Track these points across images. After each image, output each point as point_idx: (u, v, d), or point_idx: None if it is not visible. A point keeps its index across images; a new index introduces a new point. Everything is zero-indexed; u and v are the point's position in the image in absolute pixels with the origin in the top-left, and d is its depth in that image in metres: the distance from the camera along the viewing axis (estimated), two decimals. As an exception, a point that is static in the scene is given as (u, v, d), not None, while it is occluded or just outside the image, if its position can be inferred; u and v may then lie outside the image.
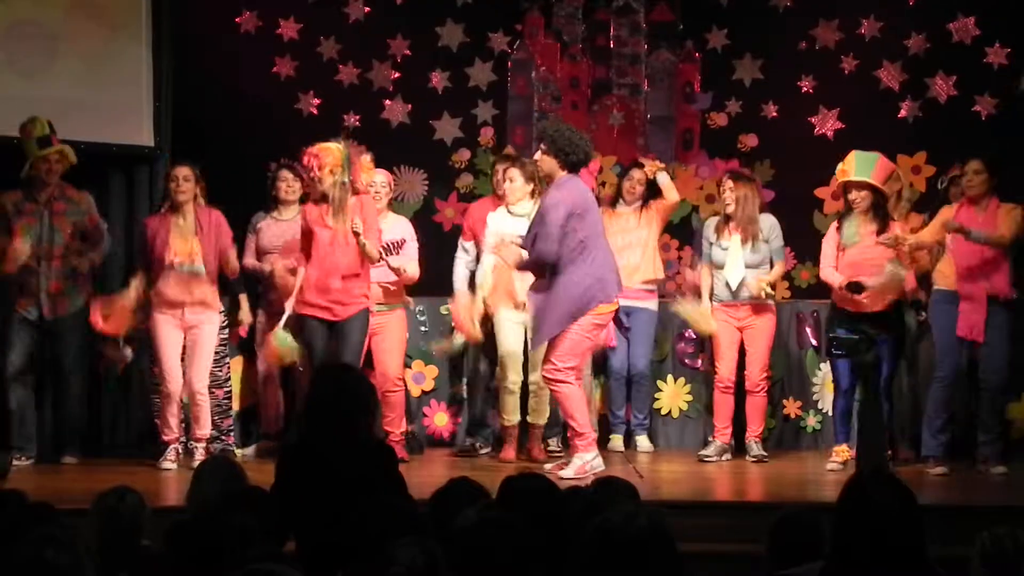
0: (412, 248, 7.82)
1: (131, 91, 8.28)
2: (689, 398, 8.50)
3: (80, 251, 7.54)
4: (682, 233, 8.82)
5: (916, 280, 7.66)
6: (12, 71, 8.00)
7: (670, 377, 8.51)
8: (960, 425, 7.84)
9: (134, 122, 8.29)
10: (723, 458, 7.78)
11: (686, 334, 8.37)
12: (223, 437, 7.79)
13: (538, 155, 6.98)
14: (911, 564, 3.10)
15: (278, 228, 7.91)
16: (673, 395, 8.51)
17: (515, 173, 7.59)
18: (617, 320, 7.58)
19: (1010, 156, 7.93)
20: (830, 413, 8.03)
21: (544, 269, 6.80)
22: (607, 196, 8.53)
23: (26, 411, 7.57)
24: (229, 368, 7.91)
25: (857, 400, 7.52)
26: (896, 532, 3.10)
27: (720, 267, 7.77)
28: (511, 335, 7.64)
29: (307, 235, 7.26)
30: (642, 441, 8.26)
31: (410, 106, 9.06)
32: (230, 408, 7.89)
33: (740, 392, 7.87)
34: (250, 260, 7.87)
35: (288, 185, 7.98)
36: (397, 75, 9.07)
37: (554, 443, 7.98)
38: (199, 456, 7.41)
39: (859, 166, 7.38)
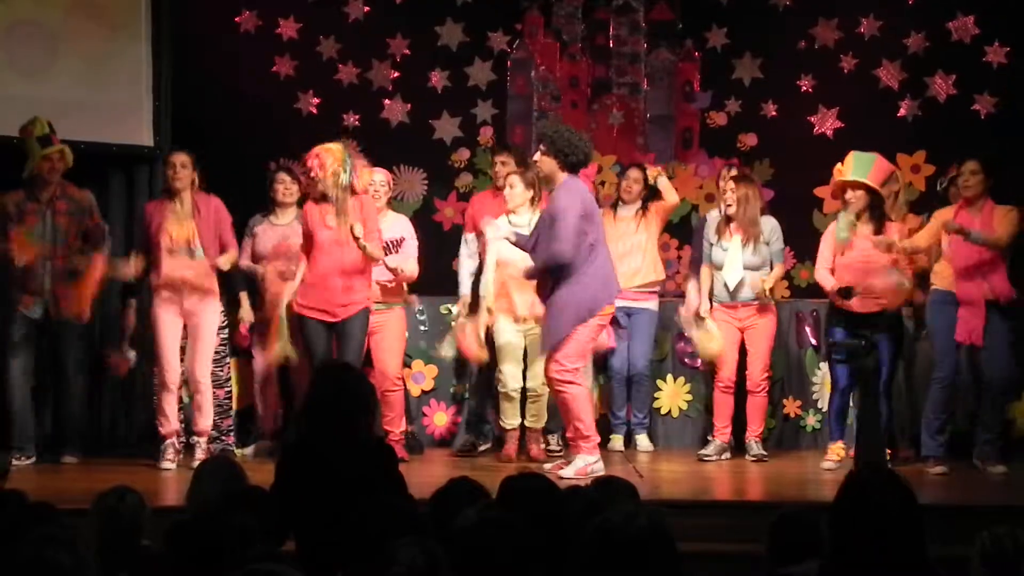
0: (411, 246, 7.83)
1: (131, 91, 8.29)
2: (689, 398, 8.51)
3: (82, 250, 7.54)
4: (682, 233, 8.82)
5: (917, 283, 7.63)
6: (12, 71, 8.00)
7: (670, 377, 8.52)
8: (960, 425, 7.86)
9: (134, 122, 8.30)
10: (723, 457, 7.79)
11: (686, 334, 8.37)
12: (223, 437, 7.80)
13: (537, 156, 6.98)
14: (910, 562, 3.10)
15: (274, 233, 7.91)
16: (673, 395, 8.51)
17: (515, 179, 7.58)
18: (614, 320, 7.59)
19: (1009, 156, 7.95)
20: (830, 412, 8.04)
21: (552, 273, 6.78)
22: (607, 197, 8.55)
23: (26, 411, 7.57)
24: (230, 368, 7.91)
25: (853, 406, 7.55)
26: (895, 529, 3.10)
27: (719, 268, 7.78)
28: (511, 343, 7.64)
29: (308, 236, 7.26)
30: (642, 440, 8.27)
31: (409, 105, 9.07)
32: (230, 408, 7.89)
33: (740, 392, 7.87)
34: (245, 262, 7.87)
35: (286, 187, 7.97)
36: (397, 74, 9.08)
37: (554, 441, 7.99)
38: (200, 453, 7.42)
39: (856, 166, 7.39)
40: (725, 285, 7.75)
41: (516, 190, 7.55)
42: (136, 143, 8.30)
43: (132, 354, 7.74)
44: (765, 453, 7.84)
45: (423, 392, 8.47)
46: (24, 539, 3.22)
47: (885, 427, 7.48)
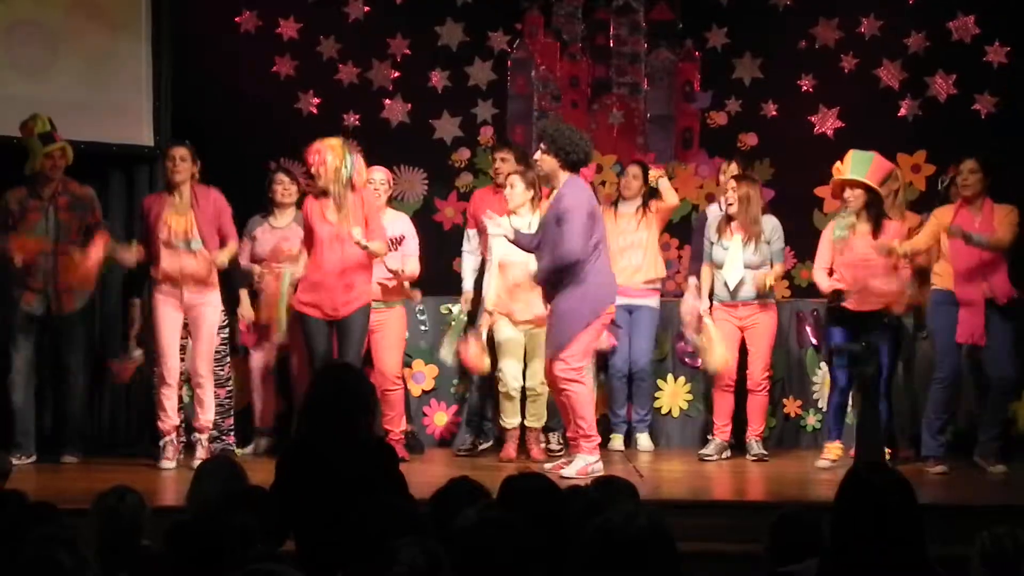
0: (412, 245, 7.83)
1: (131, 91, 8.29)
2: (689, 397, 8.51)
3: (83, 244, 7.55)
4: (682, 232, 8.82)
5: (918, 283, 7.63)
6: (13, 70, 8.01)
7: (670, 376, 8.52)
8: (961, 425, 7.86)
9: (134, 122, 8.30)
10: (723, 456, 7.79)
11: (688, 339, 8.36)
12: (223, 437, 7.80)
13: (538, 154, 6.97)
14: (910, 561, 3.10)
15: (273, 236, 7.91)
16: (673, 394, 8.51)
17: (515, 179, 7.58)
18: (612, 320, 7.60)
19: (1010, 155, 7.95)
20: (830, 412, 8.04)
21: (561, 275, 6.77)
22: (607, 196, 8.55)
23: (28, 408, 7.57)
24: (230, 367, 7.91)
25: (852, 406, 7.56)
26: (895, 526, 3.10)
27: (720, 267, 7.78)
28: (510, 341, 7.64)
29: (308, 231, 7.26)
30: (643, 439, 8.26)
31: (410, 105, 9.07)
32: (231, 408, 7.90)
33: (740, 391, 7.87)
34: (244, 262, 7.87)
35: (284, 188, 7.99)
36: (397, 74, 9.08)
37: (554, 440, 7.98)
38: (200, 450, 7.41)
39: (855, 165, 7.39)
40: (725, 284, 7.75)
41: (517, 190, 7.55)
42: (136, 143, 8.30)
43: (138, 353, 7.73)
44: (765, 453, 7.84)
45: (423, 392, 8.47)
46: (25, 539, 3.23)
47: (885, 427, 7.48)
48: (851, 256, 7.40)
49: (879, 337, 7.32)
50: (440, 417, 8.49)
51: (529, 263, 7.17)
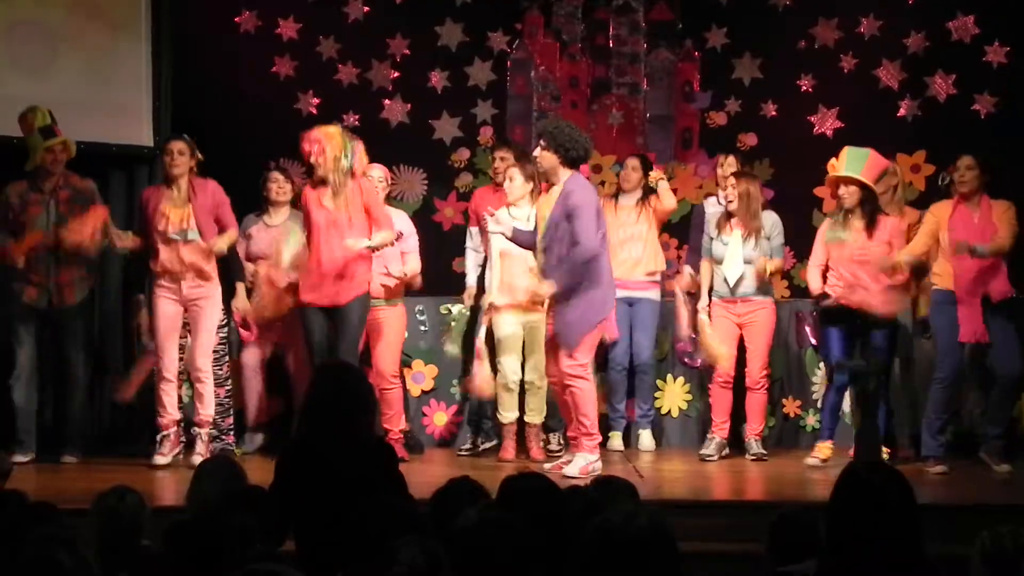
0: (412, 242, 7.84)
1: (131, 91, 8.29)
2: (689, 397, 8.51)
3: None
4: (681, 232, 8.81)
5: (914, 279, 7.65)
6: (13, 70, 8.01)
7: (670, 376, 8.52)
8: (964, 424, 7.86)
9: (134, 122, 8.30)
10: (722, 454, 7.79)
11: (689, 334, 8.36)
12: (223, 436, 7.79)
13: (538, 152, 6.98)
14: (908, 557, 3.09)
15: (268, 235, 7.91)
16: (673, 394, 8.51)
17: (514, 172, 7.60)
18: None
19: (1009, 155, 7.95)
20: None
21: (577, 272, 6.76)
22: (607, 195, 8.55)
23: (31, 405, 7.59)
24: (229, 367, 7.91)
25: (849, 408, 7.56)
26: (892, 521, 3.09)
27: (719, 262, 7.78)
28: (509, 324, 7.65)
29: (307, 220, 7.26)
30: (645, 437, 8.25)
31: (409, 105, 9.07)
32: (231, 407, 7.89)
33: (740, 389, 7.87)
34: (240, 257, 7.87)
35: (279, 187, 8.01)
36: (396, 75, 9.08)
37: (554, 441, 7.98)
38: (200, 445, 7.41)
39: (849, 162, 7.39)
40: (725, 280, 7.75)
41: (516, 183, 7.56)
42: (136, 143, 8.31)
43: (154, 345, 7.69)
44: (765, 452, 7.84)
45: (423, 392, 8.46)
46: (25, 539, 3.23)
47: (884, 426, 7.50)
48: (844, 252, 7.41)
49: (876, 336, 7.33)
50: (440, 417, 8.49)
51: (527, 256, 7.18)
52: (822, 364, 8.24)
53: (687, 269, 8.10)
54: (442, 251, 8.69)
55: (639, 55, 9.15)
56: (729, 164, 8.08)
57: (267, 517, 4.07)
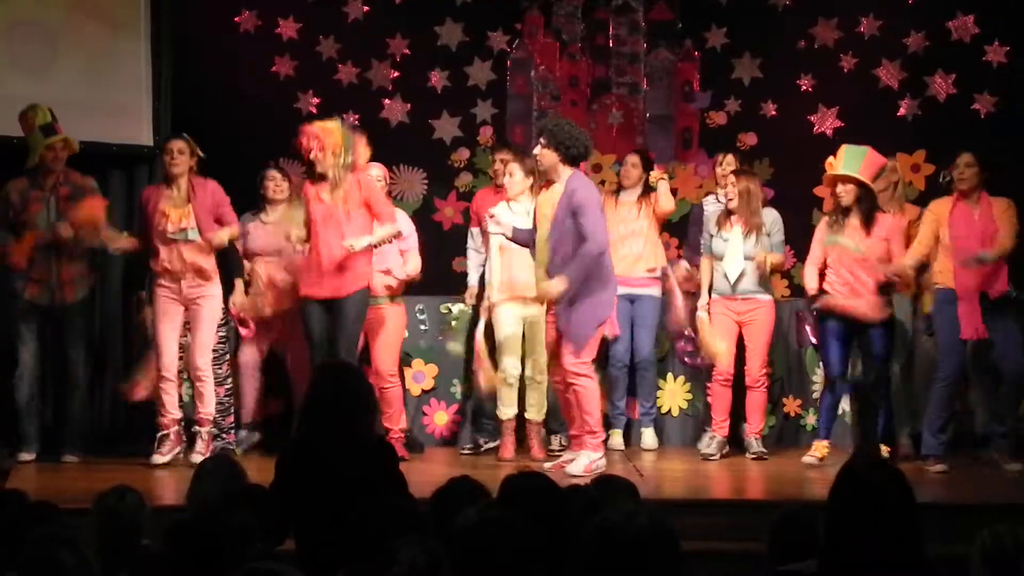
0: (412, 241, 7.83)
1: (131, 91, 8.29)
2: (689, 396, 8.51)
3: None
4: (681, 232, 8.81)
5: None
6: (13, 70, 8.00)
7: (670, 375, 8.52)
8: (964, 424, 7.87)
9: (134, 121, 8.30)
10: (722, 452, 7.79)
11: (686, 332, 8.37)
12: (224, 435, 7.79)
13: (538, 149, 6.99)
14: (907, 556, 3.09)
15: (264, 231, 7.92)
16: (673, 393, 8.51)
17: (514, 167, 7.62)
18: None
19: (1009, 155, 7.94)
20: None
21: (588, 268, 6.77)
22: (607, 192, 8.55)
23: (34, 403, 7.59)
24: (229, 366, 7.91)
25: (847, 409, 7.59)
26: (890, 520, 3.09)
27: (720, 258, 7.78)
28: (511, 329, 7.65)
29: (307, 214, 7.26)
30: (647, 435, 8.25)
31: (409, 105, 9.06)
32: (231, 406, 7.89)
33: (739, 387, 7.87)
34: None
35: (276, 184, 8.02)
36: (396, 74, 9.07)
37: (556, 442, 7.96)
38: (200, 444, 7.40)
39: (847, 160, 7.40)
40: (726, 275, 7.75)
41: (516, 178, 7.59)
42: (136, 142, 8.30)
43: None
44: (765, 451, 7.84)
45: (423, 391, 8.46)
46: (26, 539, 3.23)
47: (884, 425, 7.51)
48: (844, 251, 7.42)
49: (873, 335, 7.34)
50: (440, 416, 8.49)
51: (527, 251, 7.21)
52: (822, 363, 8.24)
53: (682, 263, 8.10)
54: (442, 250, 8.69)
55: (639, 55, 9.15)
56: (728, 163, 8.09)
57: (267, 516, 4.07)
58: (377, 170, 7.77)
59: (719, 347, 7.70)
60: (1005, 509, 5.85)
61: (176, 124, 8.35)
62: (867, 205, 7.38)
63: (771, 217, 7.82)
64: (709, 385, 7.96)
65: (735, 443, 7.91)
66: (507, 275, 7.63)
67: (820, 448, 7.50)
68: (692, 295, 7.99)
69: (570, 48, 9.17)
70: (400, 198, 8.85)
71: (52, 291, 7.50)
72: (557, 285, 6.75)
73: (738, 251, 7.73)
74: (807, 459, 7.46)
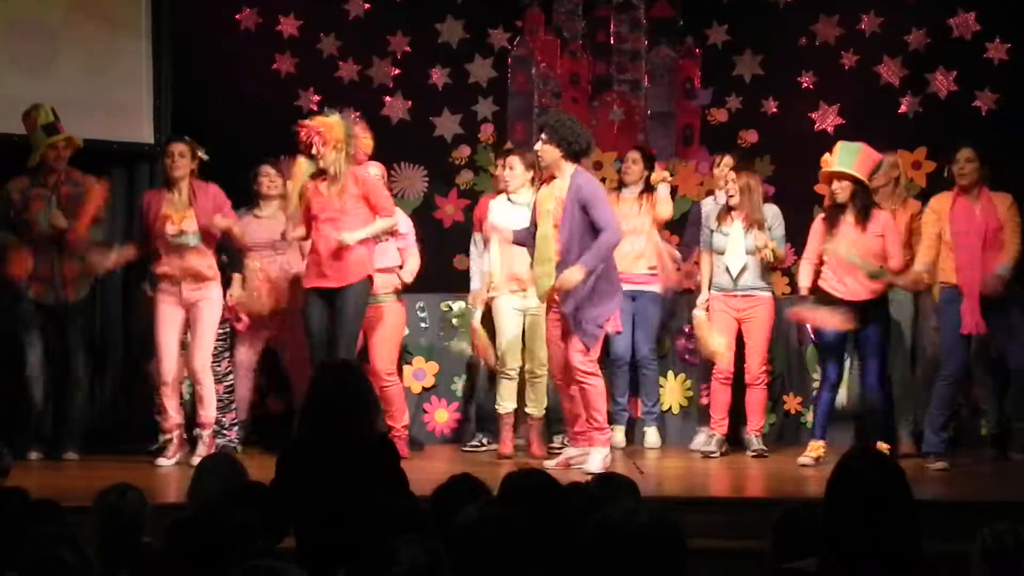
0: (410, 239, 7.83)
1: (131, 89, 8.30)
2: (690, 394, 8.51)
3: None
4: (683, 230, 8.81)
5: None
6: (13, 69, 8.01)
7: (670, 373, 8.52)
8: (965, 420, 7.87)
9: (135, 120, 8.31)
10: (722, 450, 7.79)
11: (686, 330, 8.37)
12: (225, 432, 7.79)
13: (539, 145, 6.99)
14: (905, 553, 3.08)
15: (258, 225, 7.92)
16: (674, 391, 8.51)
17: (515, 161, 7.66)
18: None
19: (1011, 152, 7.94)
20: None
21: (603, 258, 6.80)
22: (609, 189, 8.55)
23: (43, 403, 7.61)
24: (230, 363, 7.91)
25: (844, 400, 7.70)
26: (887, 516, 3.08)
27: (721, 253, 7.78)
28: (510, 323, 7.65)
29: (306, 210, 7.26)
30: (651, 434, 8.24)
31: (410, 103, 9.07)
32: (231, 403, 7.89)
33: (739, 385, 7.87)
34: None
35: (270, 180, 8.02)
36: (397, 72, 9.08)
37: (558, 441, 7.93)
38: (202, 447, 7.40)
39: (841, 157, 7.39)
40: (727, 269, 7.74)
41: (516, 171, 7.62)
42: (137, 141, 8.32)
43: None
44: (765, 448, 7.84)
45: (424, 389, 8.46)
46: (27, 537, 3.23)
47: (883, 419, 7.50)
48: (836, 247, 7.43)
49: (870, 332, 7.35)
50: (441, 414, 8.49)
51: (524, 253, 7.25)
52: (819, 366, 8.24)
53: (675, 251, 8.14)
54: (443, 248, 8.69)
55: (640, 52, 9.15)
56: (725, 164, 8.07)
57: (268, 513, 4.07)
58: (376, 169, 7.77)
59: (718, 345, 7.69)
60: (1006, 507, 5.85)
61: (177, 122, 8.36)
62: (862, 201, 7.36)
63: (771, 212, 7.83)
64: (704, 385, 7.96)
65: (735, 441, 7.91)
66: (508, 268, 7.63)
67: (816, 448, 7.47)
68: (686, 292, 8.01)
69: (571, 45, 9.17)
70: (401, 195, 8.85)
71: (56, 290, 7.51)
72: (575, 274, 6.72)
73: (739, 245, 7.72)
74: (803, 460, 7.41)
